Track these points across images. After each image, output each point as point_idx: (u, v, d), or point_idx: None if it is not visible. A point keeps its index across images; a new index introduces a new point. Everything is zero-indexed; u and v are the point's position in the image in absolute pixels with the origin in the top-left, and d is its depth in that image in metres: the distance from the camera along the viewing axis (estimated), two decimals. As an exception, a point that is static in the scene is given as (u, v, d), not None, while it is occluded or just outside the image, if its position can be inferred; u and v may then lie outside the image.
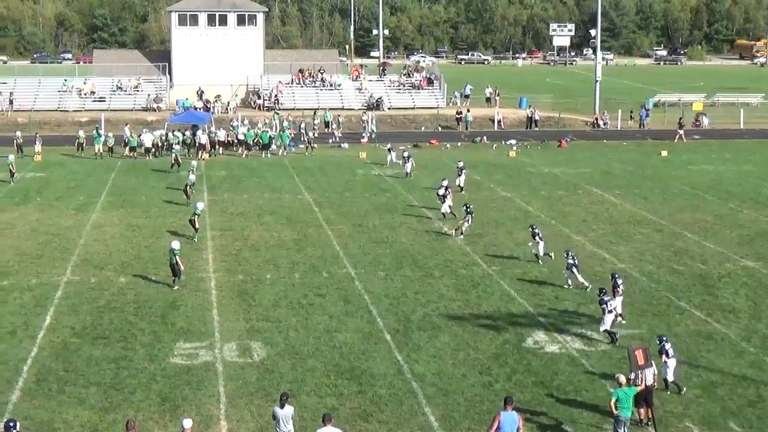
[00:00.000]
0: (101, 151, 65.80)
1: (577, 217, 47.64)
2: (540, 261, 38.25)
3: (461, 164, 54.30)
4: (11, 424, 20.33)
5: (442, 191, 46.88)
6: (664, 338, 26.19)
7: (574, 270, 34.87)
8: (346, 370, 27.03)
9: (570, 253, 35.56)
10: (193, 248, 40.31)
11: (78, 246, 40.95)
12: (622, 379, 23.02)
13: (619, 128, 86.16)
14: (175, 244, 35.29)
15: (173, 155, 60.89)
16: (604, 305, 29.82)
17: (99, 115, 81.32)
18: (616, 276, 32.30)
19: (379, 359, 27.94)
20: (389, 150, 63.33)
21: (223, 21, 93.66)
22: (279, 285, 35.27)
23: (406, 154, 58.99)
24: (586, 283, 34.77)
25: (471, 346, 29.11)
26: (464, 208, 43.46)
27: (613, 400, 22.56)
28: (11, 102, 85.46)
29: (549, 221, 46.11)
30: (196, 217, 41.63)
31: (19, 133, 67.69)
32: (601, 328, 29.93)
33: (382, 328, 30.63)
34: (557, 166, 63.22)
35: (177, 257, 34.65)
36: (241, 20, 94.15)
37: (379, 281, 35.90)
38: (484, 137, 76.67)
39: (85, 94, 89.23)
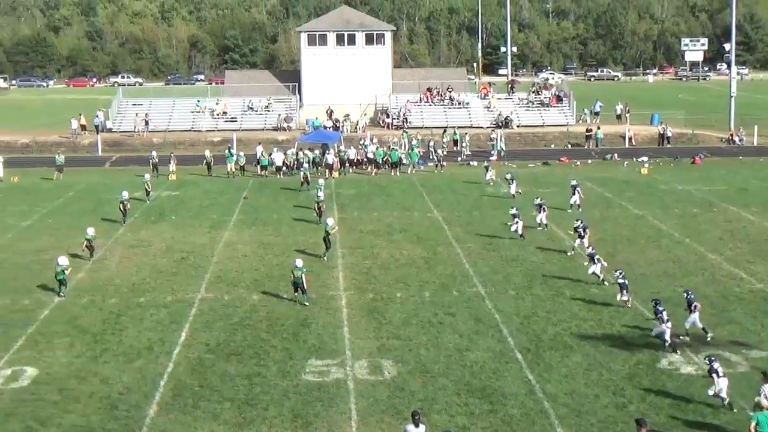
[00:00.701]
0: (233, 170, 67.01)
1: (713, 235, 46.62)
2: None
3: (574, 182, 53.62)
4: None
5: (537, 201, 48.15)
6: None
7: (624, 290, 34.72)
8: (477, 389, 26.95)
9: (621, 273, 35.21)
10: (323, 266, 40.74)
11: (211, 264, 41.76)
12: (764, 402, 22.44)
13: (755, 144, 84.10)
14: (299, 262, 35.74)
15: (302, 174, 61.65)
16: (660, 314, 30.20)
17: (231, 134, 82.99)
18: (690, 292, 32.01)
19: (511, 378, 27.79)
20: (486, 168, 63.05)
21: (352, 41, 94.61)
22: (409, 303, 35.38)
23: (508, 176, 58.17)
24: (629, 304, 34.57)
25: (604, 366, 28.73)
26: (575, 226, 42.93)
27: (753, 424, 22.01)
28: (147, 123, 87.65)
29: (683, 239, 45.27)
30: (328, 234, 41.94)
31: (154, 153, 69.49)
32: (666, 342, 30.12)
33: (513, 347, 30.46)
34: (691, 183, 62.04)
35: (303, 275, 35.11)
36: (369, 40, 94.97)
37: (509, 300, 35.72)
38: (615, 154, 75.70)
39: (217, 115, 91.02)
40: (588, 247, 39.36)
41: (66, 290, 37.08)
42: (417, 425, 21.65)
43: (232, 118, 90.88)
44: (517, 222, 45.62)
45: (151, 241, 46.31)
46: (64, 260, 37.16)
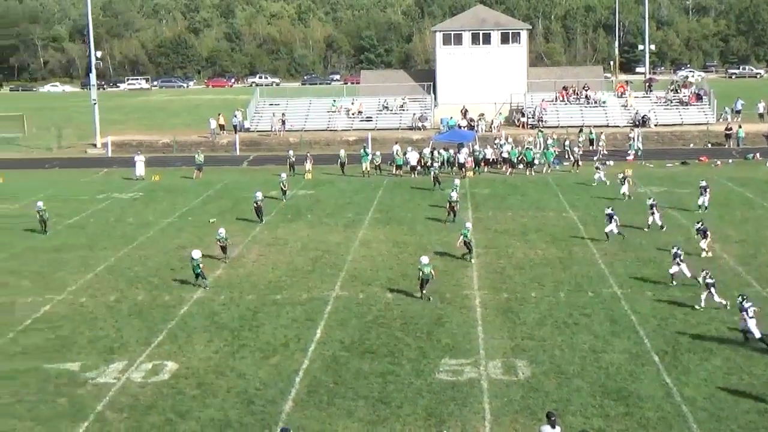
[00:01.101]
0: (368, 169, 67.47)
1: None
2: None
3: (704, 183, 52.24)
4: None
5: (650, 201, 47.46)
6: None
7: (712, 289, 34.00)
8: (612, 391, 26.61)
9: (707, 273, 34.64)
10: (458, 265, 40.75)
11: (346, 262, 42.13)
12: None
13: None
14: (425, 259, 35.88)
15: (432, 174, 61.70)
16: (744, 312, 30.07)
17: (366, 134, 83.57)
18: (745, 297, 31.31)
19: (647, 381, 27.35)
20: (597, 168, 61.97)
21: (487, 39, 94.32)
22: (544, 303, 35.12)
23: (621, 175, 56.99)
24: (723, 301, 34.00)
25: (744, 371, 28.06)
26: (697, 227, 41.97)
27: None
28: (283, 122, 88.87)
29: (829, 242, 43.92)
30: (463, 236, 41.66)
31: (291, 152, 70.43)
32: (757, 335, 29.79)
33: (649, 350, 29.98)
34: (837, 184, 60.13)
35: (431, 271, 35.35)
36: (504, 38, 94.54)
37: (646, 301, 35.14)
38: (757, 154, 73.74)
39: (352, 114, 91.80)
40: (674, 247, 38.23)
41: (207, 282, 37.98)
42: (553, 426, 21.49)
43: (367, 117, 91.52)
44: (613, 222, 44.77)
45: (287, 240, 46.96)
46: (197, 253, 38.10)
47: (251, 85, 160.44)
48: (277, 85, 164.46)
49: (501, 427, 24.43)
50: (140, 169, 68.73)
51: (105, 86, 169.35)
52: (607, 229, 44.98)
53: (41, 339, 32.48)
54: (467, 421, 24.82)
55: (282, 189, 57.70)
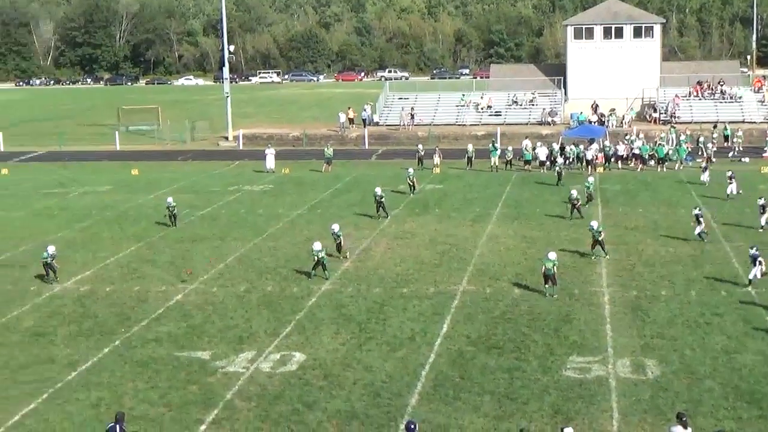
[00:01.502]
0: (496, 164, 67.21)
1: None
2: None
3: None
4: (412, 426, 21.19)
5: (761, 201, 46.14)
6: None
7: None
8: (745, 393, 25.97)
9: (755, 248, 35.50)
10: (586, 262, 40.32)
11: (474, 256, 42.03)
12: None
13: None
14: (552, 255, 35.77)
15: (557, 170, 61.15)
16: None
17: (495, 129, 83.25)
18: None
19: (782, 384, 26.66)
20: (704, 169, 60.23)
21: (619, 33, 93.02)
22: (674, 302, 34.48)
23: (729, 173, 55.21)
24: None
25: None
26: None
27: None
28: (412, 116, 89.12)
29: None
30: (595, 233, 41.09)
31: (420, 146, 70.50)
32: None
33: (785, 352, 29.21)
34: None
35: (555, 267, 35.33)
36: (637, 32, 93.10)
37: (781, 302, 34.25)
38: None
39: (481, 109, 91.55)
40: (752, 248, 37.00)
41: (329, 274, 38.35)
42: (685, 427, 21.09)
43: (496, 112, 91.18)
44: (699, 223, 43.52)
45: (415, 233, 47.09)
46: (318, 245, 38.44)
47: (380, 79, 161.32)
48: (407, 79, 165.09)
49: (629, 427, 24.07)
50: (270, 162, 69.67)
51: (237, 80, 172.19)
52: (696, 231, 43.94)
53: (174, 327, 33.21)
54: (594, 419, 24.52)
55: (410, 184, 57.80)
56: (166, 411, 25.92)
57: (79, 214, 54.29)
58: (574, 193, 49.29)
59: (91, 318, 34.43)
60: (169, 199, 50.71)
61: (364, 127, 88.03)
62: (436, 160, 67.60)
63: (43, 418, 25.64)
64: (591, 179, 54.71)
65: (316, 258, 38.40)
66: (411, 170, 59.42)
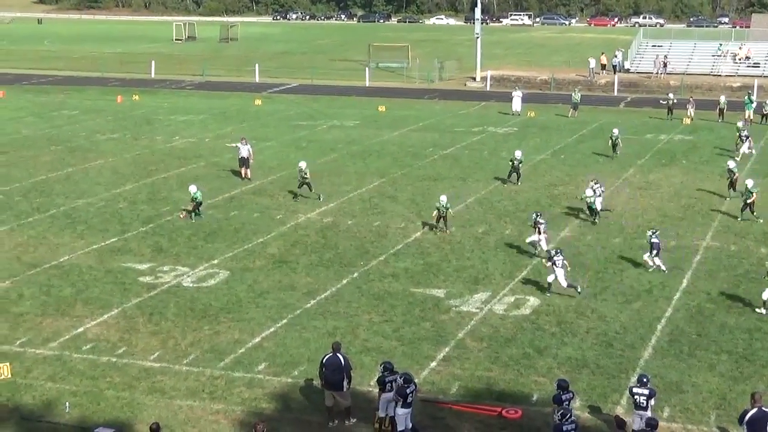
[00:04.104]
0: (750, 117, 64.56)
1: None
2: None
3: None
4: (644, 379, 20.85)
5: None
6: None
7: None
8: None
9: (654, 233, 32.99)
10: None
11: (719, 212, 40.72)
12: None
13: None
14: None
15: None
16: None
17: (752, 81, 79.97)
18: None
19: None
20: None
21: None
22: None
23: None
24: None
25: None
26: None
27: None
28: (665, 65, 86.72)
29: None
30: None
31: (672, 95, 68.42)
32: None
33: None
34: None
35: None
36: None
37: None
38: None
39: (739, 59, 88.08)
40: None
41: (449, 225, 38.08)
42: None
43: (755, 63, 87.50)
44: None
45: (659, 185, 46.01)
46: (443, 198, 37.70)
47: (634, 26, 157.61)
48: (661, 26, 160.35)
49: None
50: (517, 104, 69.30)
51: (488, 21, 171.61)
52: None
53: (411, 263, 33.75)
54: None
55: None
56: (399, 345, 26.47)
57: (326, 147, 55.69)
58: None
59: (332, 249, 35.41)
60: (302, 164, 43.52)
61: (614, 73, 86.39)
62: (690, 110, 65.44)
63: (282, 341, 26.67)
64: None
65: (438, 212, 37.62)
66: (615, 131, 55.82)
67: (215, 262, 33.96)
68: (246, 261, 34.06)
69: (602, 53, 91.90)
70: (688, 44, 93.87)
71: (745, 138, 52.05)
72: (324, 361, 21.92)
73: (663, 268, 32.48)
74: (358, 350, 25.76)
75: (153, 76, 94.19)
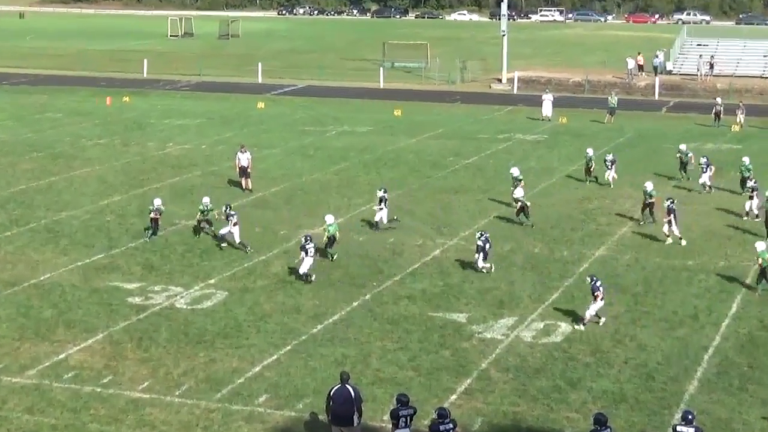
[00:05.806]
0: (807, 125, 64.39)
1: None
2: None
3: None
4: (689, 416, 20.57)
5: None
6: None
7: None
8: None
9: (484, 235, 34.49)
10: None
11: (773, 229, 40.52)
12: None
13: None
14: None
15: None
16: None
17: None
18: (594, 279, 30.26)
19: None
20: None
21: None
22: None
23: None
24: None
25: None
26: None
27: None
28: (711, 66, 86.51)
29: None
30: None
31: (719, 100, 68.17)
32: None
33: None
34: None
35: None
36: None
37: None
38: None
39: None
40: None
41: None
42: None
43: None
44: None
45: (705, 199, 45.77)
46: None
47: (677, 23, 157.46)
48: (707, 23, 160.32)
49: None
50: (547, 108, 69.16)
51: (515, 17, 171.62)
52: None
53: (428, 284, 33.59)
54: None
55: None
56: (415, 375, 26.29)
57: (335, 156, 55.65)
58: None
59: (341, 268, 35.28)
60: (205, 200, 40.03)
61: (655, 75, 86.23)
62: (740, 117, 65.15)
63: (285, 371, 26.52)
64: None
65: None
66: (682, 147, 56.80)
67: (212, 281, 33.89)
68: (246, 281, 33.96)
69: (639, 53, 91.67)
70: (737, 44, 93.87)
71: None
72: (332, 393, 21.74)
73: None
74: (369, 381, 25.59)
75: (145, 75, 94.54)
